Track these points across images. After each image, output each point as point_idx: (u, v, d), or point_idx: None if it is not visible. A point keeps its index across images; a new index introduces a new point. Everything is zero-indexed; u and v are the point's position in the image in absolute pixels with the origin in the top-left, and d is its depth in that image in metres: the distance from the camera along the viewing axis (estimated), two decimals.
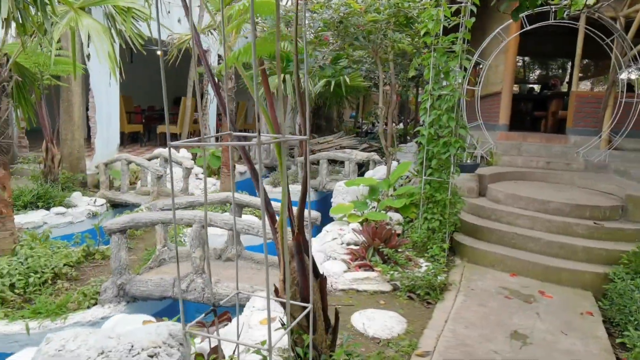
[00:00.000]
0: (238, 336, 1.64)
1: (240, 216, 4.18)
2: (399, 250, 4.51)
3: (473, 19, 4.42)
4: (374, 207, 5.56)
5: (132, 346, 1.36)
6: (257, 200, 4.13)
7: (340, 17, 5.44)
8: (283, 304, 2.19)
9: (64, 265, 4.01)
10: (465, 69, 5.39)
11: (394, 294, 4.03)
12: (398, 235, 4.96)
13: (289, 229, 2.18)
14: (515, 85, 12.71)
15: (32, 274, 3.69)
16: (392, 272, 4.13)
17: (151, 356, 1.34)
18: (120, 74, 4.96)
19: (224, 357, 2.10)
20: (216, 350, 2.05)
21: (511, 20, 4.39)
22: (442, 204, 4.72)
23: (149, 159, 7.20)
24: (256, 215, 5.14)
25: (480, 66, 6.79)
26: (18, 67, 4.54)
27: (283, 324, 2.40)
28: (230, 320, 2.23)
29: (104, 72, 6.53)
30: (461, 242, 4.85)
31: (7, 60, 3.89)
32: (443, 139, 4.67)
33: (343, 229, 5.27)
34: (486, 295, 3.98)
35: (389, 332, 3.27)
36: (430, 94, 4.74)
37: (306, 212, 2.25)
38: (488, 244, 4.78)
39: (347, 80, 8.57)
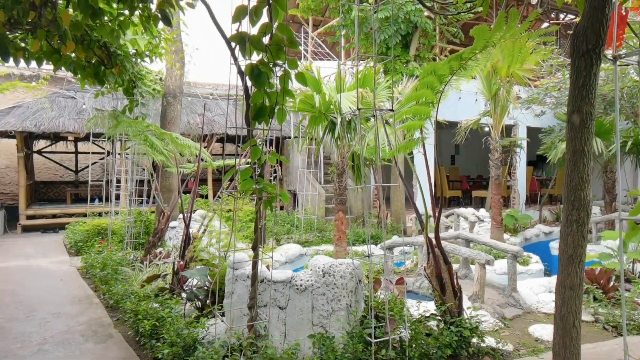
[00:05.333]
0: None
1: (469, 246, 5.83)
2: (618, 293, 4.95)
3: None
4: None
5: (339, 262, 3.70)
6: (480, 238, 5.71)
7: None
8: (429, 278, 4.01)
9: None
10: None
11: (593, 324, 4.67)
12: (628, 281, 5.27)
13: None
14: None
15: None
16: (597, 306, 4.77)
17: (341, 264, 3.64)
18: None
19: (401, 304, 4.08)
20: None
21: None
22: None
23: (447, 216, 9.48)
24: (479, 249, 6.49)
25: None
26: (355, 155, 7.89)
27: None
28: (404, 283, 4.22)
29: (420, 153, 9.46)
30: None
31: (347, 152, 7.15)
32: None
33: None
34: None
35: (550, 337, 4.23)
36: None
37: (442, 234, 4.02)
38: None
39: None
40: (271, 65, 3.20)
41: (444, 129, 10.52)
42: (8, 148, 12.79)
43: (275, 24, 3.24)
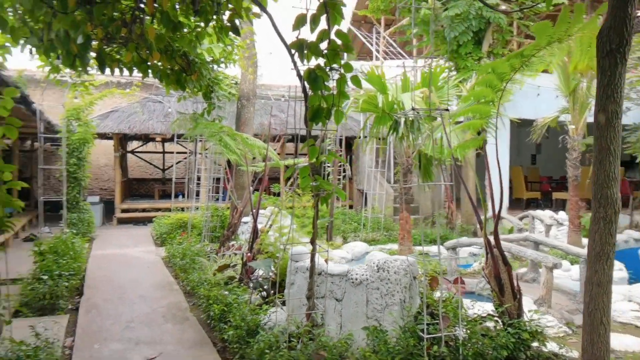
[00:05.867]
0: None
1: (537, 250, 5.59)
2: None
3: None
4: None
5: (393, 258, 3.79)
6: (550, 241, 5.44)
7: None
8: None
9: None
10: None
11: None
12: None
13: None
14: None
15: None
16: None
17: (395, 260, 3.73)
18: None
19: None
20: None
21: None
22: None
23: (520, 218, 9.08)
24: (553, 253, 6.15)
25: None
26: (424, 155, 7.84)
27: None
28: (464, 283, 4.20)
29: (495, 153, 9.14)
30: None
31: (412, 151, 7.15)
32: None
33: None
34: None
35: (624, 348, 3.99)
36: None
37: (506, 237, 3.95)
38: None
39: None
40: (328, 70, 3.38)
41: (519, 126, 10.06)
42: (107, 148, 14.25)
43: (334, 29, 3.41)
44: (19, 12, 3.75)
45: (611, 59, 1.69)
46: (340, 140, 11.08)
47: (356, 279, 3.74)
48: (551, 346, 3.75)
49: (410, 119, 5.98)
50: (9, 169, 3.01)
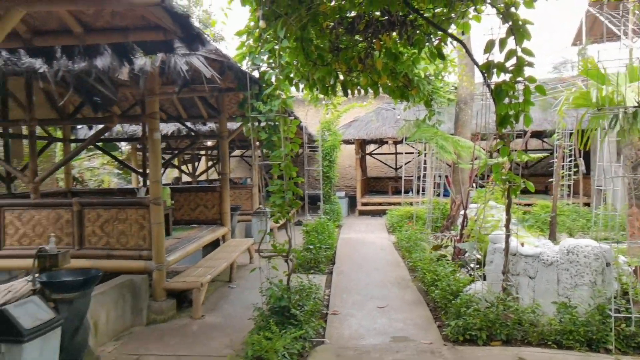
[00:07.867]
0: None
1: None
2: None
3: None
4: None
5: (585, 244, 4.17)
6: None
7: None
8: None
9: None
10: None
11: None
12: None
13: None
14: None
15: None
16: None
17: (586, 246, 4.10)
18: None
19: None
20: None
21: None
22: None
23: None
24: None
25: None
26: None
27: None
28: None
29: None
30: None
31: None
32: None
33: None
34: None
35: None
36: None
37: None
38: None
39: None
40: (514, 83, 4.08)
41: None
42: (350, 152, 16.91)
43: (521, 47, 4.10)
44: (295, 63, 5.68)
45: None
46: (571, 133, 10.58)
47: (547, 260, 4.28)
48: None
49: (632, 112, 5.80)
50: (294, 169, 4.81)
